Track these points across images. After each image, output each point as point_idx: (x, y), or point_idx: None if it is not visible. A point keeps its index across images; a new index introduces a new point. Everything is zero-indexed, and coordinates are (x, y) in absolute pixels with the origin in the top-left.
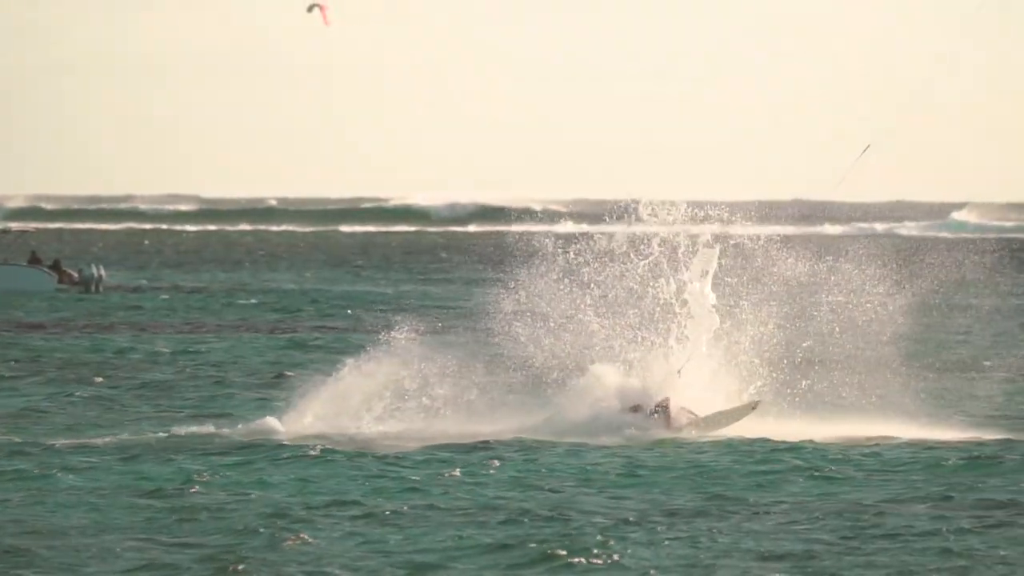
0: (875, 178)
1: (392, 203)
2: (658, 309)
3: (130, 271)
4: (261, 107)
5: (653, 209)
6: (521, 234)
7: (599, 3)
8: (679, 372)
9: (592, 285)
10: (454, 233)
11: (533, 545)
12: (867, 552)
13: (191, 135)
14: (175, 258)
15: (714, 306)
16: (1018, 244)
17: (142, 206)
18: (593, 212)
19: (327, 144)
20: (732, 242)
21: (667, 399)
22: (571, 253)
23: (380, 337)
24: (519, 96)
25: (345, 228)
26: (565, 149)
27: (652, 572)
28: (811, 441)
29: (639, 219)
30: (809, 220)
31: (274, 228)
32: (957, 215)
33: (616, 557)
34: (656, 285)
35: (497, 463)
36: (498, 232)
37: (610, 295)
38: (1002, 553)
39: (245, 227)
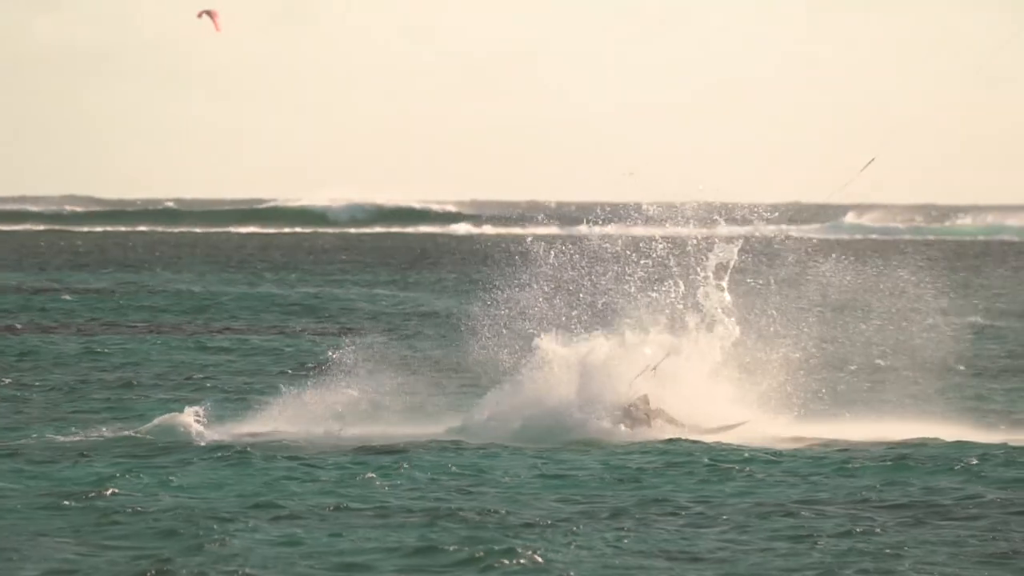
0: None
1: (289, 204)
2: (663, 317)
3: (28, 273)
4: (156, 108)
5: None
6: (426, 235)
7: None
8: (654, 369)
9: (581, 293)
10: (353, 235)
11: (453, 547)
12: (781, 553)
13: (86, 136)
14: (74, 259)
15: (730, 309)
16: (913, 246)
17: (36, 207)
18: (494, 213)
19: (223, 145)
20: (755, 240)
21: (645, 396)
22: (551, 255)
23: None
24: (412, 97)
25: (243, 229)
26: (455, 149)
27: (571, 573)
28: (719, 442)
29: (646, 219)
30: (704, 222)
31: (172, 229)
32: (850, 217)
33: (535, 559)
34: (661, 288)
35: (415, 465)
36: (396, 234)
37: (600, 303)
38: (915, 552)
39: (143, 228)
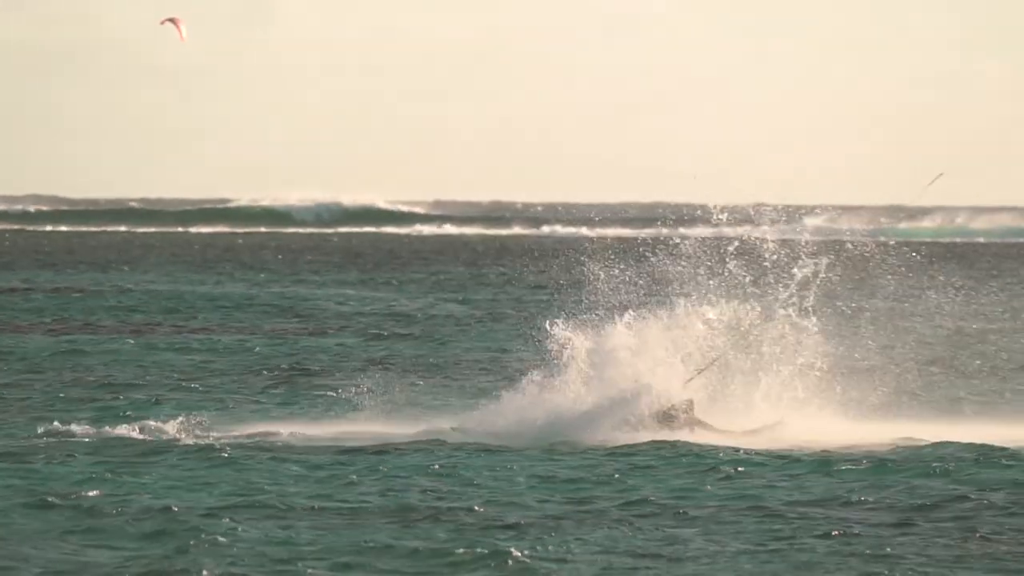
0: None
1: (254, 204)
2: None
3: None
4: (121, 107)
5: (723, 210)
6: (392, 235)
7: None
8: (694, 376)
9: (637, 321)
10: (319, 235)
11: (439, 547)
12: (762, 554)
13: (50, 135)
14: (40, 259)
15: (816, 335)
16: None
17: (1, 207)
18: (460, 214)
19: (187, 145)
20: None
21: (690, 401)
22: (601, 276)
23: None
24: (375, 97)
25: (208, 229)
26: (418, 150)
27: (554, 573)
28: (703, 443)
29: (712, 222)
30: (665, 222)
31: (138, 229)
32: (811, 219)
33: (519, 559)
34: (734, 308)
35: (401, 465)
36: (362, 234)
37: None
38: (898, 554)
39: (108, 228)
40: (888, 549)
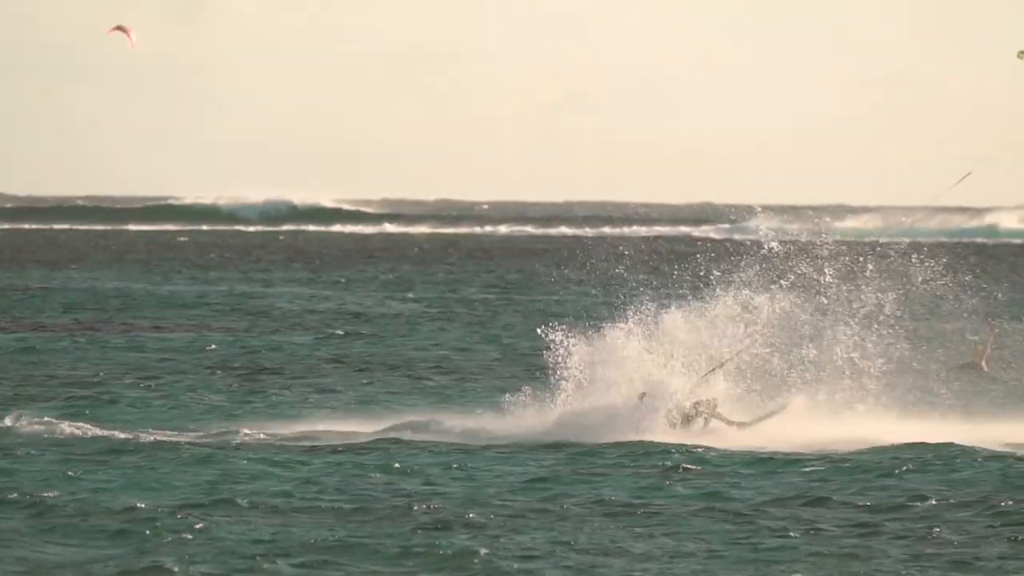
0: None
1: (199, 202)
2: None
3: None
4: (66, 105)
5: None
6: (339, 234)
7: None
8: (707, 375)
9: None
10: (265, 233)
11: (405, 546)
12: (726, 554)
13: None
14: None
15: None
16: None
17: None
18: (408, 213)
19: (133, 143)
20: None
21: (714, 399)
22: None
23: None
24: (317, 95)
25: (153, 227)
26: (364, 148)
27: (517, 571)
28: (672, 443)
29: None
30: (613, 222)
31: (83, 227)
32: (761, 220)
33: (484, 557)
34: (791, 350)
35: (371, 462)
36: (309, 232)
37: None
38: (859, 553)
39: (55, 226)
40: (850, 548)
